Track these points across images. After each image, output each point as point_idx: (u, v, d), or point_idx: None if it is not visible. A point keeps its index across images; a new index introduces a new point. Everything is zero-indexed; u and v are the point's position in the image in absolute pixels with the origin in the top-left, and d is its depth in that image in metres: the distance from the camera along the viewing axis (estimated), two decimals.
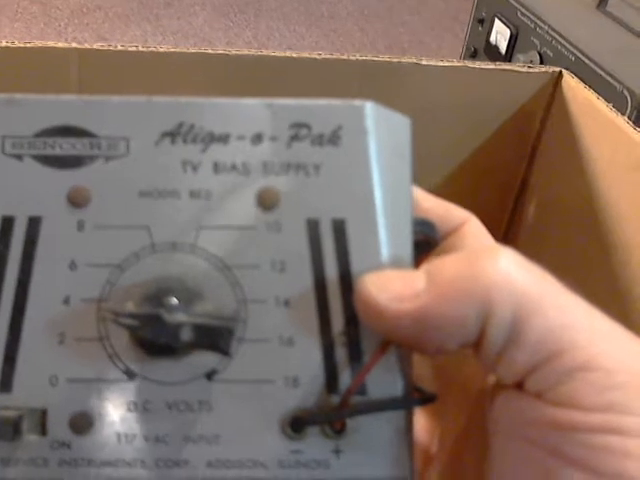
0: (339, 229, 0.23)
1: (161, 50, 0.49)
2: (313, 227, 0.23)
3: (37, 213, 0.23)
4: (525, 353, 0.21)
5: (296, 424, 0.23)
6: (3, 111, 0.23)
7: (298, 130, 0.23)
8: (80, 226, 0.23)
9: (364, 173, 0.23)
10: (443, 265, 0.22)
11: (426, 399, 0.24)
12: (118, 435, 0.23)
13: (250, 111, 0.24)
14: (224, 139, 0.23)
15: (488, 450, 0.23)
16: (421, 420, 0.28)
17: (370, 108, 0.24)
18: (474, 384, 0.26)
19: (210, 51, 0.49)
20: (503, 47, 0.92)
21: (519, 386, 0.22)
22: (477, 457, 0.24)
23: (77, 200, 0.23)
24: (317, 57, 0.50)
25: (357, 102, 0.24)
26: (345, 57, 0.51)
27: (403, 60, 0.51)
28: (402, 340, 0.22)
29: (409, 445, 0.24)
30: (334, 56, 0.51)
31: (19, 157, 0.23)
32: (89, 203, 0.23)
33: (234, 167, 0.23)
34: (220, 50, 0.50)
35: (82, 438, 0.23)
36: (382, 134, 0.24)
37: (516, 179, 0.57)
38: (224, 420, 0.23)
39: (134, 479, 0.23)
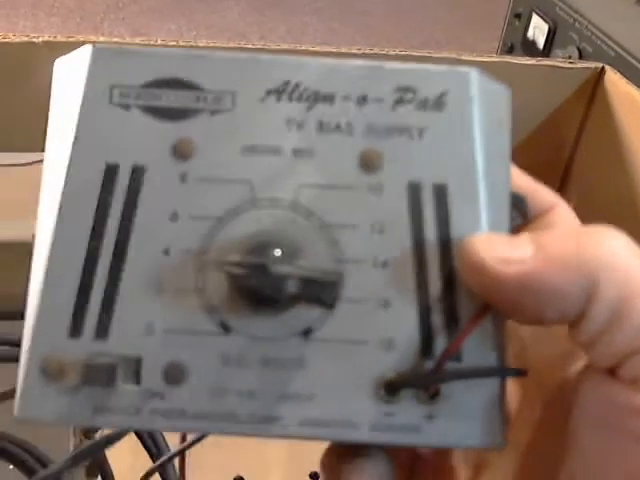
0: (440, 194, 0.24)
1: (200, 44, 0.49)
2: (414, 191, 0.24)
3: (141, 162, 0.23)
4: (626, 336, 0.20)
5: (390, 387, 0.23)
6: (112, 61, 0.24)
7: (403, 94, 0.24)
8: (183, 178, 0.24)
9: (467, 140, 0.24)
10: (551, 236, 0.22)
11: (519, 371, 0.24)
12: (211, 388, 0.23)
13: (356, 73, 0.24)
14: (329, 99, 0.24)
15: (571, 440, 0.22)
16: None
17: (475, 75, 0.24)
18: (554, 371, 0.25)
19: (250, 45, 0.49)
20: (541, 42, 0.91)
21: (612, 372, 0.21)
22: (555, 447, 0.23)
23: (181, 152, 0.23)
24: (356, 52, 0.50)
25: (463, 68, 0.24)
26: (384, 52, 0.50)
27: (442, 55, 0.51)
28: (502, 304, 0.22)
29: (502, 414, 0.23)
30: (373, 51, 0.50)
31: (126, 107, 0.24)
32: (193, 155, 0.24)
33: (338, 127, 0.24)
34: (259, 45, 0.49)
35: (175, 389, 0.23)
36: (485, 102, 0.24)
37: (557, 175, 0.57)
38: (318, 379, 0.23)
39: (226, 433, 0.24)
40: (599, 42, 0.80)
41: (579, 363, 0.24)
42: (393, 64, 0.24)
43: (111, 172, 0.23)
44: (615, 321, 0.21)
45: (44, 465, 0.35)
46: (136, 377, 0.23)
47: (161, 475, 0.42)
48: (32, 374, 0.23)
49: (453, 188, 0.24)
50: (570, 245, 0.21)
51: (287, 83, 0.24)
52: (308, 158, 0.24)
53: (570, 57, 0.83)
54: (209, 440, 0.57)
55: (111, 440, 0.31)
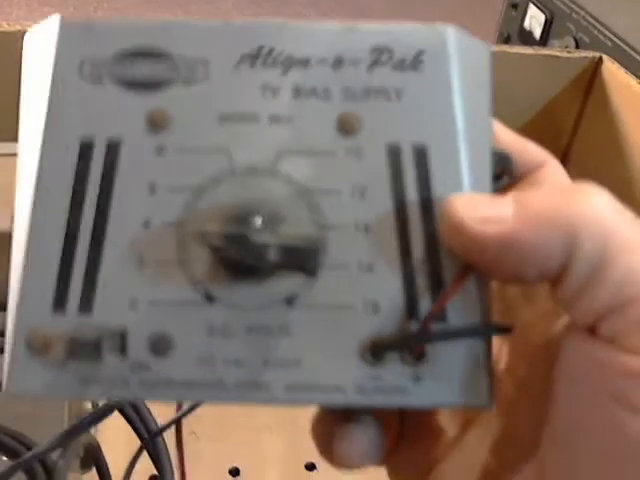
0: (420, 155, 0.23)
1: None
2: (394, 153, 0.23)
3: (116, 136, 0.23)
4: (606, 292, 0.20)
5: (375, 350, 0.23)
6: (80, 36, 0.23)
7: (379, 55, 0.23)
8: (159, 149, 0.23)
9: (446, 99, 0.23)
10: (533, 195, 0.22)
11: (504, 329, 0.24)
12: (197, 358, 0.23)
13: (331, 35, 0.23)
14: (304, 63, 0.23)
15: (551, 397, 0.22)
16: None
17: (452, 33, 0.24)
18: (539, 330, 0.25)
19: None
20: (537, 32, 0.90)
21: (592, 330, 0.21)
22: (539, 405, 0.23)
23: (156, 123, 0.23)
24: None
25: (439, 26, 0.24)
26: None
27: None
28: (482, 264, 0.22)
29: (488, 373, 0.24)
30: None
31: (98, 80, 0.23)
32: (168, 126, 0.23)
33: (314, 91, 0.23)
34: None
35: (162, 360, 0.23)
36: (464, 60, 0.24)
37: None
38: (303, 345, 0.23)
39: (213, 401, 0.24)
40: (596, 32, 0.80)
41: (562, 321, 0.24)
42: (368, 25, 0.24)
43: (86, 147, 0.23)
44: (595, 277, 0.21)
45: (29, 449, 0.35)
46: (122, 349, 0.23)
47: (150, 453, 0.42)
48: (19, 350, 0.23)
49: (433, 149, 0.23)
50: (551, 202, 0.21)
51: (261, 48, 0.23)
52: (285, 124, 0.23)
53: (567, 47, 0.83)
54: (205, 431, 0.57)
55: (95, 419, 0.31)
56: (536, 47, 0.53)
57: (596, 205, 0.21)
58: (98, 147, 0.23)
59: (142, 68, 0.23)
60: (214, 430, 0.55)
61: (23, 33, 0.48)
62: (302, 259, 0.22)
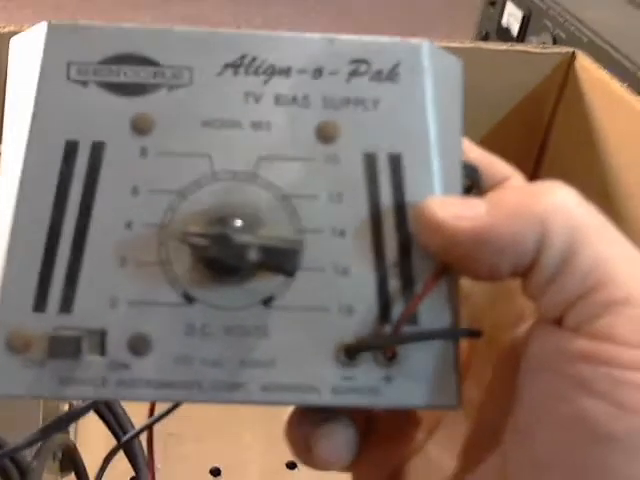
0: (395, 163, 0.24)
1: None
2: (370, 160, 0.24)
3: (101, 138, 0.24)
4: (574, 281, 0.21)
5: (349, 351, 0.24)
6: (69, 38, 0.24)
7: (357, 66, 0.24)
8: (143, 152, 0.24)
9: (420, 110, 0.24)
10: (504, 193, 0.24)
11: (473, 332, 0.25)
12: (176, 358, 0.24)
13: (311, 46, 0.24)
14: (285, 72, 0.24)
15: (517, 392, 0.23)
16: None
17: (427, 47, 0.24)
18: (504, 333, 0.26)
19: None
20: (515, 29, 0.91)
21: (558, 322, 0.22)
22: (503, 405, 0.24)
23: (140, 127, 0.24)
24: None
25: (415, 40, 0.24)
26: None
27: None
28: (458, 260, 0.23)
29: (457, 374, 0.24)
30: None
31: (84, 83, 0.24)
32: (152, 130, 0.24)
33: (295, 100, 0.24)
34: None
35: (141, 360, 0.23)
36: (437, 73, 0.24)
37: (530, 160, 0.57)
38: (280, 346, 0.24)
39: (190, 401, 0.24)
40: (572, 29, 0.80)
41: (528, 323, 0.25)
42: (347, 37, 0.24)
43: (71, 148, 0.23)
44: (563, 267, 0.22)
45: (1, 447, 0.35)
46: (101, 349, 0.23)
47: (127, 454, 0.42)
48: None
49: (407, 157, 0.24)
50: (521, 198, 0.22)
51: (244, 57, 0.24)
52: (266, 130, 0.24)
53: (544, 44, 0.83)
54: (185, 432, 0.57)
55: (70, 418, 0.31)
56: (511, 43, 0.53)
57: (563, 199, 0.22)
58: (82, 148, 0.23)
59: (128, 73, 0.24)
60: (195, 430, 0.55)
61: (2, 36, 0.47)
62: (282, 259, 0.23)
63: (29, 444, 0.31)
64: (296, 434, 0.26)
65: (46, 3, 1.79)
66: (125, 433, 0.41)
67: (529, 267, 0.22)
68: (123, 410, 0.42)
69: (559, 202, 0.22)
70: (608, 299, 0.21)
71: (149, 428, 0.30)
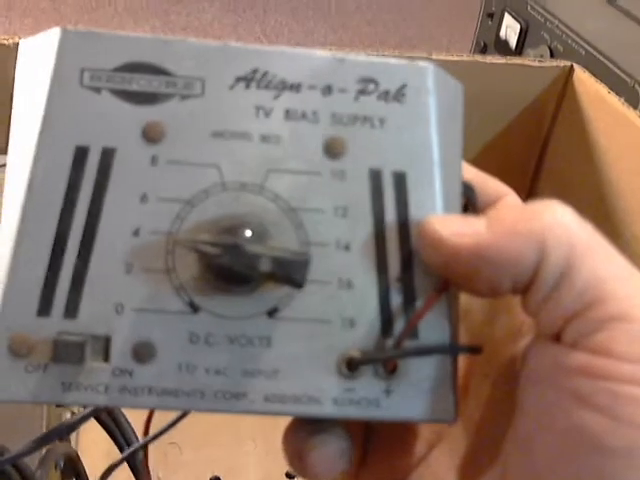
0: (399, 181, 0.25)
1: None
2: (375, 177, 0.25)
3: (111, 145, 0.24)
4: (571, 297, 0.22)
5: (351, 364, 0.24)
6: (83, 44, 0.24)
7: (366, 85, 0.25)
8: (153, 161, 0.24)
9: (424, 130, 0.25)
10: (503, 211, 0.24)
11: (473, 349, 0.25)
12: (179, 366, 0.24)
13: (322, 63, 0.25)
14: (296, 88, 0.24)
15: (517, 408, 0.23)
16: None
17: (432, 70, 0.25)
18: (504, 350, 0.26)
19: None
20: (513, 42, 0.91)
21: (557, 338, 0.23)
22: (502, 421, 0.24)
23: (151, 135, 0.24)
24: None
25: (422, 63, 0.25)
26: (356, 52, 0.50)
27: (414, 55, 0.51)
28: (459, 276, 0.24)
29: (454, 389, 0.25)
30: (343, 51, 0.51)
31: (97, 90, 0.24)
32: (163, 139, 0.24)
33: (304, 115, 0.24)
34: None
35: (144, 367, 0.24)
36: (441, 95, 0.25)
37: (528, 173, 0.57)
38: (283, 357, 0.24)
39: (193, 409, 0.24)
40: (570, 41, 0.81)
41: (527, 339, 0.25)
42: (356, 56, 0.25)
43: (81, 154, 0.24)
44: (561, 283, 0.22)
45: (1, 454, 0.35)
46: (105, 355, 0.24)
47: (130, 465, 0.42)
48: (1, 354, 0.23)
49: (411, 175, 0.25)
50: (521, 216, 0.23)
51: (255, 71, 0.24)
52: (275, 144, 0.24)
53: (542, 56, 0.84)
54: (186, 440, 0.57)
55: (71, 427, 0.31)
56: (509, 57, 0.54)
57: (561, 217, 0.23)
58: (92, 154, 0.24)
59: (141, 82, 0.24)
60: (195, 439, 0.56)
61: (1, 46, 0.48)
62: (292, 271, 0.23)
63: (30, 451, 0.31)
64: (291, 444, 0.26)
65: (47, 13, 1.79)
66: (128, 442, 0.41)
67: (528, 284, 0.23)
68: (126, 419, 0.42)
69: (557, 220, 0.22)
70: (605, 315, 0.21)
71: (152, 439, 0.31)
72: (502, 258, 0.22)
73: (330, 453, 0.25)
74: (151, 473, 0.43)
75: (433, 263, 0.24)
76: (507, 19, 0.93)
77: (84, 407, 0.33)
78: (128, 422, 0.42)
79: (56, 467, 0.45)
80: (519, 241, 0.22)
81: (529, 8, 0.88)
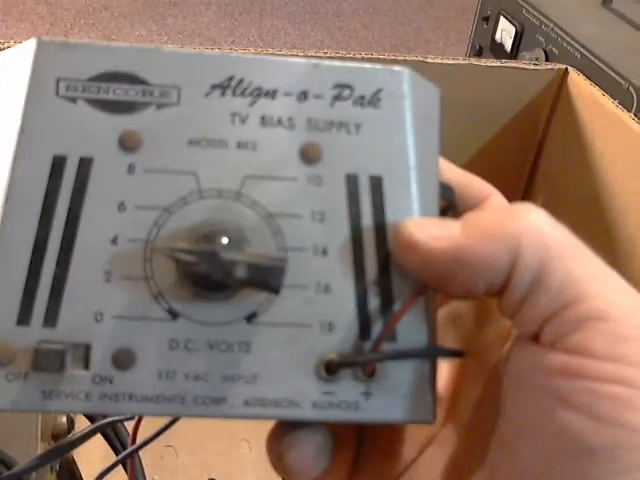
0: (376, 185, 0.25)
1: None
2: (352, 182, 0.25)
3: (88, 154, 0.24)
4: (546, 298, 0.22)
5: (330, 367, 0.24)
6: (58, 54, 0.24)
7: (341, 90, 0.25)
8: (130, 169, 0.24)
9: (400, 134, 0.25)
10: (478, 215, 0.25)
11: (454, 352, 0.26)
12: (159, 372, 0.24)
13: (298, 69, 0.25)
14: (272, 94, 0.25)
15: (502, 409, 0.23)
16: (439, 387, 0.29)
17: (408, 74, 0.25)
18: (492, 353, 0.27)
19: (217, 50, 0.49)
20: (508, 45, 0.92)
21: (535, 338, 0.23)
22: (490, 422, 0.24)
23: (128, 144, 0.24)
24: (323, 55, 0.50)
25: (397, 68, 0.25)
26: (351, 55, 0.51)
27: (409, 58, 0.51)
28: (435, 279, 0.24)
29: (433, 391, 0.25)
30: (339, 54, 0.51)
31: (73, 100, 0.24)
32: (140, 147, 0.24)
33: (280, 121, 0.25)
34: (227, 49, 0.50)
35: (124, 374, 0.24)
36: (417, 99, 0.25)
37: (523, 176, 0.58)
38: (262, 361, 0.24)
39: (173, 415, 0.24)
40: (565, 44, 0.81)
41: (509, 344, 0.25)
42: (331, 62, 0.25)
43: (58, 163, 0.24)
44: (536, 285, 0.22)
45: (9, 468, 0.35)
46: (85, 363, 0.24)
47: (124, 467, 0.42)
48: None
49: (387, 179, 0.25)
50: (495, 219, 0.23)
51: (231, 78, 0.24)
52: (252, 150, 0.25)
53: (537, 59, 0.84)
54: (183, 444, 0.57)
55: (76, 442, 0.31)
56: (504, 60, 0.54)
57: (535, 219, 0.23)
58: (70, 164, 0.24)
59: (117, 91, 0.24)
60: (191, 442, 0.56)
61: (0, 50, 0.48)
62: (268, 277, 0.23)
63: (35, 467, 0.31)
64: (273, 447, 0.27)
65: (44, 17, 1.79)
66: (123, 445, 0.41)
67: (503, 285, 0.23)
68: (123, 424, 0.42)
69: (531, 222, 0.23)
70: (582, 315, 0.22)
71: (133, 438, 0.31)
72: (476, 261, 0.23)
73: (307, 452, 0.26)
74: (147, 476, 0.43)
75: (409, 266, 0.24)
76: (502, 22, 0.93)
77: (89, 418, 0.33)
78: (124, 425, 0.42)
79: (52, 470, 0.45)
80: (493, 244, 0.22)
81: (524, 12, 0.89)
